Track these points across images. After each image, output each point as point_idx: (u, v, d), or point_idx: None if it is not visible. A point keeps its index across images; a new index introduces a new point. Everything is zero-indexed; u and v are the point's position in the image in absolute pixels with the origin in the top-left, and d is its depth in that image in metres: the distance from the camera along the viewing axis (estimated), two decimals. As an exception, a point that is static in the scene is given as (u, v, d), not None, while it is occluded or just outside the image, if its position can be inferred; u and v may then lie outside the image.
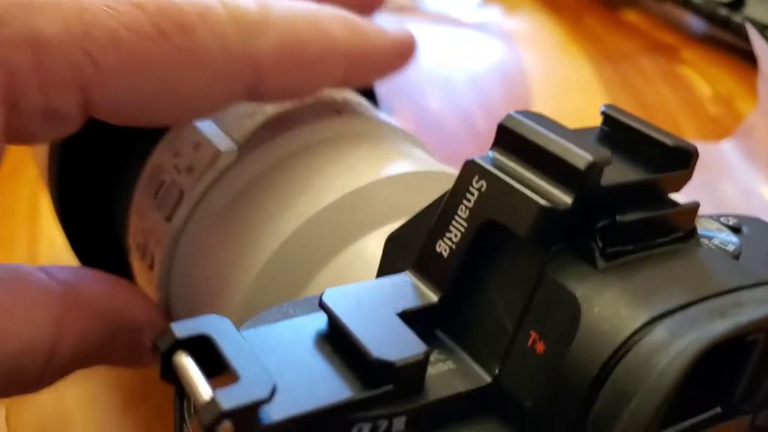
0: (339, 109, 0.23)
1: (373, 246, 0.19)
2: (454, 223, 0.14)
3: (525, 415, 0.13)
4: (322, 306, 0.14)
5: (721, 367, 0.14)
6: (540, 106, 0.50)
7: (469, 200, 0.14)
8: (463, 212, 0.14)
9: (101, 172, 0.27)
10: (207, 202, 0.21)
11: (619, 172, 0.14)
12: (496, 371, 0.14)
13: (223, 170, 0.21)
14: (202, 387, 0.11)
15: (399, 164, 0.21)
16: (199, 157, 0.22)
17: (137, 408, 0.31)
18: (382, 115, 0.26)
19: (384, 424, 0.13)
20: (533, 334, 0.13)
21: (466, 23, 0.60)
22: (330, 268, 0.19)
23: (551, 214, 0.13)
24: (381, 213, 0.20)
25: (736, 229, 0.22)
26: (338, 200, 0.20)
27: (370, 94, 0.31)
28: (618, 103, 0.53)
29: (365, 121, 0.24)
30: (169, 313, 0.23)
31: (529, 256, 0.13)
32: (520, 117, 0.14)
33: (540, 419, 0.13)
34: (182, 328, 0.12)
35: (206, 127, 0.23)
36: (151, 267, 0.23)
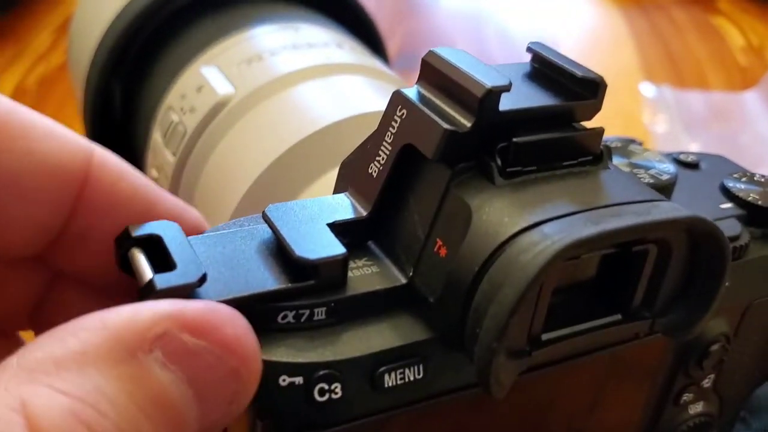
0: (328, 55, 0.25)
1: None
2: (382, 147, 0.16)
3: (430, 308, 0.15)
4: (264, 217, 0.16)
5: (619, 277, 0.16)
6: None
7: (393, 127, 0.16)
8: (389, 138, 0.16)
9: (127, 118, 0.29)
10: (205, 138, 0.24)
11: (526, 100, 0.15)
12: (410, 273, 0.15)
13: (220, 110, 0.24)
14: (145, 272, 0.14)
15: (374, 104, 0.23)
16: (201, 99, 0.24)
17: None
18: (376, 61, 0.27)
19: (306, 312, 0.15)
20: (438, 241, 0.15)
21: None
22: (304, 195, 0.21)
23: (453, 135, 0.14)
24: (350, 148, 0.21)
25: (692, 165, 0.23)
26: (311, 136, 0.21)
27: (377, 44, 0.33)
28: (645, 53, 0.52)
29: (354, 65, 0.25)
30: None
31: (438, 173, 0.15)
32: (440, 53, 0.16)
33: (440, 312, 0.15)
34: (137, 229, 0.15)
35: (209, 71, 0.25)
36: (162, 197, 0.25)
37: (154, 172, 0.26)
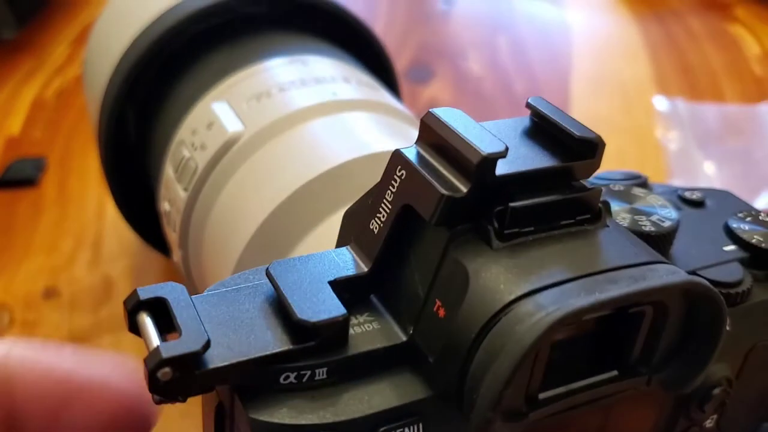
0: (335, 91, 0.25)
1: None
2: (382, 204, 0.16)
3: (429, 368, 0.15)
4: (268, 275, 0.16)
5: (616, 335, 0.16)
6: (579, 69, 0.51)
7: (393, 186, 0.16)
8: (389, 196, 0.16)
9: (140, 150, 0.30)
10: (215, 175, 0.24)
11: (524, 161, 0.16)
12: (410, 331, 0.16)
13: (230, 147, 0.24)
14: (152, 339, 0.14)
15: (381, 143, 0.23)
16: (211, 136, 0.25)
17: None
18: (385, 95, 0.28)
19: (307, 373, 0.15)
20: (438, 301, 0.15)
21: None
22: (312, 236, 0.22)
23: (450, 200, 0.15)
24: (357, 188, 0.22)
25: (697, 203, 0.23)
26: (318, 177, 0.22)
27: (388, 71, 0.33)
28: (659, 63, 0.52)
29: (361, 101, 0.26)
30: (188, 269, 0.26)
31: (437, 235, 0.15)
32: (439, 115, 0.16)
33: (439, 372, 0.15)
34: (144, 292, 0.15)
35: (219, 107, 0.25)
36: (174, 230, 0.26)
37: (166, 205, 0.26)
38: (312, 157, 0.23)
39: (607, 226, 0.16)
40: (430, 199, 0.15)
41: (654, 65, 0.50)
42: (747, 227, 0.21)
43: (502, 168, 0.15)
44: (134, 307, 0.15)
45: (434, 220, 0.15)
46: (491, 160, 0.15)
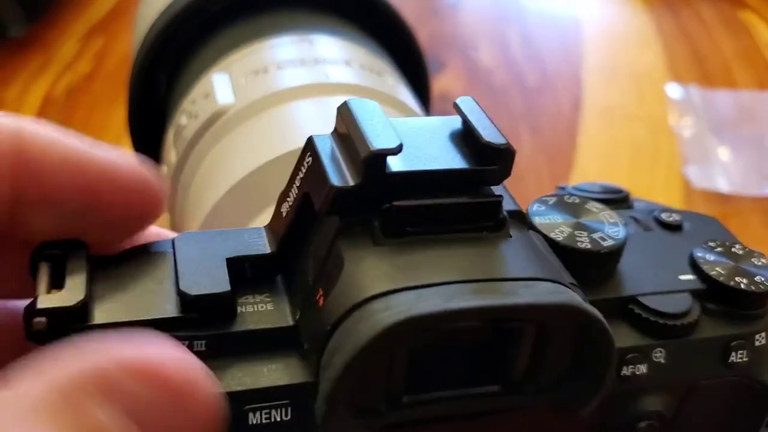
0: (329, 73, 0.26)
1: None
2: (292, 189, 0.16)
3: (306, 355, 0.15)
4: (173, 245, 0.17)
5: (498, 349, 0.16)
6: (591, 59, 0.48)
7: (301, 172, 0.16)
8: (297, 182, 0.16)
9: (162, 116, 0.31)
10: (200, 146, 0.25)
11: (426, 161, 0.15)
12: (297, 316, 0.16)
13: (217, 119, 0.25)
14: (40, 288, 0.15)
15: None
16: (204, 106, 0.25)
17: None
18: (388, 82, 0.27)
19: (185, 344, 0.15)
20: (320, 291, 0.15)
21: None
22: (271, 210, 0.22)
23: (339, 192, 0.15)
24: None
25: (673, 226, 0.22)
26: (288, 154, 0.22)
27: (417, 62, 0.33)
28: (672, 51, 0.48)
29: (354, 86, 0.26)
30: (176, 228, 0.27)
31: (329, 225, 0.15)
32: (351, 105, 0.16)
33: (311, 359, 0.15)
34: (50, 245, 0.16)
35: (219, 79, 0.26)
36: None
37: (165, 168, 0.27)
38: (288, 135, 0.23)
39: (510, 237, 0.16)
40: (322, 189, 0.15)
41: (666, 53, 0.48)
42: (712, 258, 0.20)
43: (398, 165, 0.15)
44: (37, 256, 0.16)
45: (324, 209, 0.15)
46: (380, 155, 0.14)
